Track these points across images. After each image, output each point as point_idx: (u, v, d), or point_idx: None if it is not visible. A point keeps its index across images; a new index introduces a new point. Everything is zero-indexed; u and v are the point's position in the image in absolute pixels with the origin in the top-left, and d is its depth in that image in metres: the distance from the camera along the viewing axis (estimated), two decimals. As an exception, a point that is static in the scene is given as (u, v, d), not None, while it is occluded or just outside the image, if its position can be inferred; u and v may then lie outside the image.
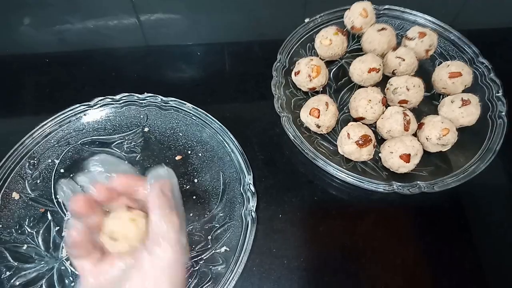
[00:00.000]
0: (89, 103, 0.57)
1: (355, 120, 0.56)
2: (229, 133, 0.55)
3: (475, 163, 0.52)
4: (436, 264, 0.49)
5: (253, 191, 0.50)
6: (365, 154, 0.51)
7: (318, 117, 0.52)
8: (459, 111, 0.54)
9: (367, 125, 0.54)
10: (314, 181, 0.54)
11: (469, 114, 0.54)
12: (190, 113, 0.57)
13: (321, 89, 0.58)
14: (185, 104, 0.57)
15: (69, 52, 0.67)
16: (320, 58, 0.60)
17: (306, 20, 0.65)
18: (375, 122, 0.55)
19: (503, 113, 0.56)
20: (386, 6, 0.66)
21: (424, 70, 0.62)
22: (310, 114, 0.53)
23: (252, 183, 0.51)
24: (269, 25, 0.71)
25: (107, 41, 0.68)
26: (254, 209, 0.49)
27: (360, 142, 0.50)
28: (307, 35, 0.63)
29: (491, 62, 0.61)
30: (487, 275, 0.49)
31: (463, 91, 0.57)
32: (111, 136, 0.57)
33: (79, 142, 0.56)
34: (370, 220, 0.52)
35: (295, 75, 0.57)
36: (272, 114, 0.56)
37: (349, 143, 0.50)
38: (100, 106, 0.58)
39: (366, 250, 0.49)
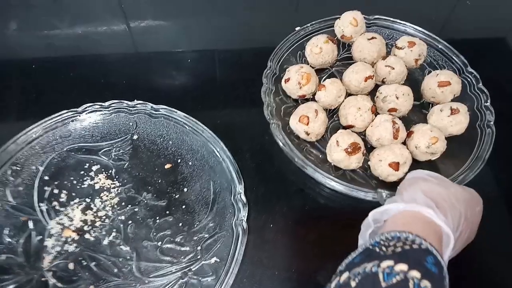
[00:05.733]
0: (77, 109, 0.56)
1: (345, 127, 0.55)
2: (220, 142, 0.54)
3: (464, 172, 0.52)
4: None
5: (244, 201, 0.49)
6: (354, 162, 0.50)
7: (308, 124, 0.52)
8: (448, 120, 0.54)
9: (356, 133, 0.54)
10: (305, 190, 0.53)
11: (458, 123, 0.54)
12: (181, 121, 0.57)
13: (311, 97, 0.58)
14: (176, 112, 0.57)
15: (57, 57, 0.66)
16: (310, 66, 0.60)
17: (297, 29, 0.65)
18: (365, 130, 0.55)
19: (491, 123, 0.56)
20: (376, 16, 0.67)
21: (413, 79, 0.62)
22: (299, 121, 0.52)
23: (243, 192, 0.50)
24: (260, 32, 0.71)
25: (96, 47, 0.67)
26: (245, 219, 0.48)
27: (349, 150, 0.49)
28: (297, 43, 0.63)
29: (479, 71, 0.61)
30: (479, 282, 0.48)
31: (452, 100, 0.58)
32: (99, 143, 0.56)
33: (65, 149, 0.55)
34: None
35: (285, 82, 0.57)
36: (263, 121, 0.55)
37: (338, 151, 0.50)
38: (89, 113, 0.57)
39: None
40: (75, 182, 0.52)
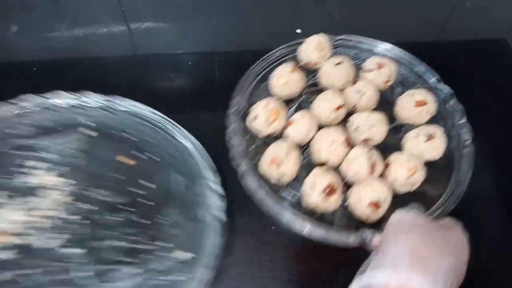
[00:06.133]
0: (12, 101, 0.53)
1: (318, 164, 0.52)
2: (185, 132, 0.52)
3: (445, 200, 0.49)
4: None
5: (221, 192, 0.47)
6: (332, 204, 0.47)
7: (279, 167, 0.48)
8: (425, 146, 0.51)
9: (331, 168, 0.51)
10: None
11: (435, 148, 0.51)
12: (144, 116, 0.54)
13: (281, 132, 0.54)
14: (139, 105, 0.54)
15: (57, 60, 0.65)
16: (278, 97, 0.57)
17: (298, 31, 0.64)
18: (340, 165, 0.52)
19: (469, 141, 0.54)
20: (343, 36, 0.63)
21: (384, 101, 0.59)
22: (270, 165, 0.49)
23: (219, 184, 0.48)
24: (260, 33, 0.70)
25: (96, 49, 0.67)
26: (224, 211, 0.46)
27: (326, 192, 0.46)
28: (262, 73, 0.59)
29: (480, 72, 0.62)
30: (478, 284, 0.45)
31: (428, 120, 0.55)
32: (42, 140, 0.51)
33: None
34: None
35: (252, 120, 0.53)
36: None
37: (313, 194, 0.47)
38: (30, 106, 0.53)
39: (359, 262, 0.46)
40: (12, 179, 0.48)
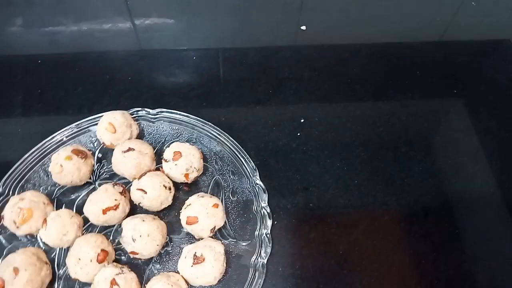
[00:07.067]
0: None
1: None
2: None
3: None
4: (431, 273, 0.47)
5: None
6: None
7: (4, 289, 0.40)
8: (193, 271, 0.42)
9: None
10: (309, 188, 0.53)
11: (206, 274, 0.42)
12: None
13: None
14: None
15: (62, 54, 0.65)
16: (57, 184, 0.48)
17: (303, 28, 0.67)
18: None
19: (264, 261, 0.45)
20: (159, 110, 0.55)
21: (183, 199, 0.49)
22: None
23: None
24: (265, 31, 0.70)
25: (101, 44, 0.67)
26: None
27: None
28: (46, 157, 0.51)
29: (483, 73, 0.63)
30: (479, 283, 0.47)
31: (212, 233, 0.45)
32: None
33: None
34: (365, 228, 0.50)
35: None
36: (267, 120, 0.57)
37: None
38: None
39: (361, 258, 0.48)
40: None
